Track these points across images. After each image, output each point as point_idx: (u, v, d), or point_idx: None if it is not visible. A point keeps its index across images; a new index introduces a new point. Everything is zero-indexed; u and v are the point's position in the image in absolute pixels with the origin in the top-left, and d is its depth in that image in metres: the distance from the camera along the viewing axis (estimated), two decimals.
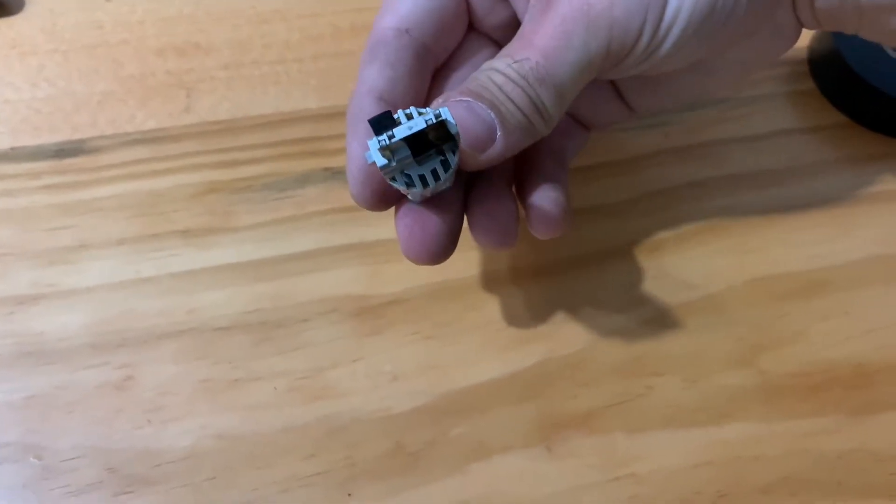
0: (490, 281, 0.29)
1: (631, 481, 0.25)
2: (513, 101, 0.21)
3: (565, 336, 0.28)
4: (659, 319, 0.28)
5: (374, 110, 0.22)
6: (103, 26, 0.35)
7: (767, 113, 0.34)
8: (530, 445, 0.26)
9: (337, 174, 0.31)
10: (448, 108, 0.20)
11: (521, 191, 0.24)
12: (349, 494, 0.25)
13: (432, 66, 0.25)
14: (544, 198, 0.23)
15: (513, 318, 0.28)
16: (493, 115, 0.21)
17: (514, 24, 0.25)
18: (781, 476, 0.25)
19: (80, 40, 0.34)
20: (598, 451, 0.26)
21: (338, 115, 0.33)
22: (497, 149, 0.21)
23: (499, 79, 0.21)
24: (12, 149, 0.31)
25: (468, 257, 0.29)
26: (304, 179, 0.31)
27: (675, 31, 0.22)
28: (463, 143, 0.20)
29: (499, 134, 0.21)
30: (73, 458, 0.24)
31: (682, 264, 0.30)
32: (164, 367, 0.26)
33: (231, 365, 0.27)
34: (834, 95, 0.34)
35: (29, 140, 0.31)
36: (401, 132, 0.18)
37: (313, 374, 0.27)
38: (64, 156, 0.31)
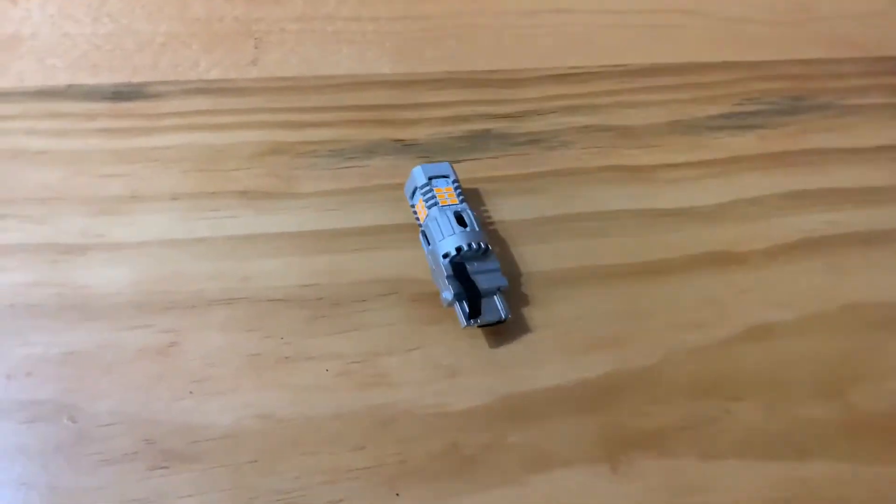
0: (565, 278, 0.27)
1: None
2: None
3: (640, 346, 0.26)
4: (742, 338, 0.26)
5: None
6: None
7: (876, 124, 0.31)
8: (594, 462, 0.24)
9: (407, 147, 0.29)
10: None
11: None
12: (397, 494, 0.23)
13: None
14: None
15: (585, 321, 0.26)
16: None
17: None
18: None
19: None
20: (666, 474, 0.24)
21: (412, 83, 0.31)
22: None
23: None
24: (69, 86, 0.29)
25: (541, 250, 0.27)
26: (372, 149, 0.29)
27: None
28: None
29: None
30: (109, 425, 0.23)
31: (772, 280, 0.27)
32: (211, 336, 0.25)
33: (282, 341, 0.25)
34: None
35: (87, 78, 0.29)
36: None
37: (367, 359, 0.25)
38: (122, 98, 0.29)
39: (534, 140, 0.30)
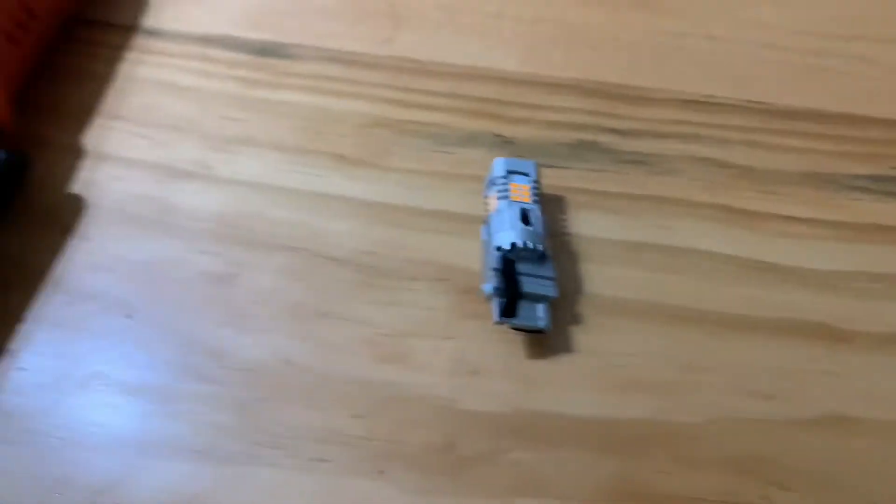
0: (627, 309, 0.25)
1: None
2: None
3: (687, 401, 0.23)
4: (814, 424, 0.22)
5: None
6: None
7: None
8: None
9: (506, 143, 0.28)
10: None
11: None
12: (381, 472, 0.22)
13: None
14: None
15: (634, 359, 0.24)
16: None
17: None
18: None
19: None
20: None
21: (531, 83, 0.30)
22: None
23: None
24: (226, 36, 0.32)
25: (611, 274, 0.25)
26: (471, 139, 0.29)
27: None
28: None
29: None
30: (155, 330, 0.25)
31: (875, 371, 0.23)
32: (265, 277, 0.26)
33: (325, 297, 0.25)
34: None
35: (242, 32, 0.32)
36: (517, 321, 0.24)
37: (397, 336, 0.25)
38: (265, 54, 0.32)
39: (640, 161, 0.28)
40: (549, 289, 0.24)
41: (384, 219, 0.27)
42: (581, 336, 0.24)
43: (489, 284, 0.24)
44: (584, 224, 0.27)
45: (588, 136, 0.29)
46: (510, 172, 0.26)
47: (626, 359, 0.24)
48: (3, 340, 0.25)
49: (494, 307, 0.24)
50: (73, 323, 0.25)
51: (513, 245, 0.24)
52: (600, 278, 0.26)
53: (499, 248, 0.24)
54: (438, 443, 0.23)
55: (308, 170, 0.28)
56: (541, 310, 0.24)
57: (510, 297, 0.23)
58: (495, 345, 0.24)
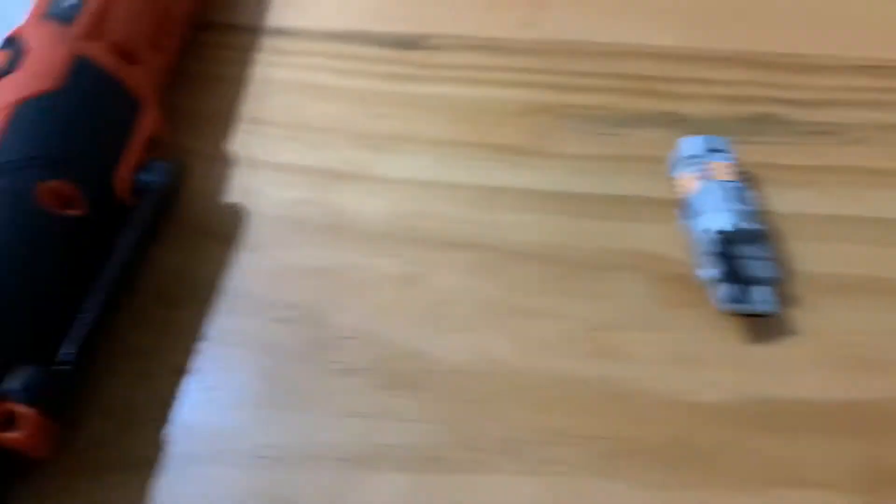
0: (844, 286, 0.24)
1: None
2: None
3: None
4: None
5: None
6: None
7: None
8: (849, 492, 0.20)
9: (677, 121, 0.27)
10: None
11: None
12: (618, 470, 0.21)
13: None
14: None
15: (862, 337, 0.23)
16: None
17: None
18: None
19: None
20: None
21: (694, 58, 0.29)
22: None
23: None
24: (358, 31, 0.31)
25: (817, 250, 0.24)
26: (639, 119, 0.27)
27: None
28: None
29: None
30: (348, 338, 0.24)
31: None
32: (452, 275, 0.25)
33: (520, 293, 0.24)
34: None
35: (379, 26, 0.31)
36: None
37: (604, 329, 0.23)
38: (405, 47, 0.30)
39: (824, 132, 0.27)
40: (772, 269, 0.23)
41: (561, 208, 0.26)
42: (800, 317, 0.23)
43: (708, 270, 0.23)
44: (778, 200, 0.25)
45: (764, 109, 0.28)
46: (705, 150, 0.25)
47: (853, 337, 0.23)
48: (184, 360, 0.24)
49: (721, 293, 0.23)
50: (253, 337, 0.24)
51: (730, 226, 0.23)
52: (806, 255, 0.24)
53: (719, 231, 0.23)
54: (672, 436, 0.22)
55: (471, 163, 0.27)
56: (767, 292, 0.22)
57: (739, 281, 0.22)
58: (712, 332, 0.23)
